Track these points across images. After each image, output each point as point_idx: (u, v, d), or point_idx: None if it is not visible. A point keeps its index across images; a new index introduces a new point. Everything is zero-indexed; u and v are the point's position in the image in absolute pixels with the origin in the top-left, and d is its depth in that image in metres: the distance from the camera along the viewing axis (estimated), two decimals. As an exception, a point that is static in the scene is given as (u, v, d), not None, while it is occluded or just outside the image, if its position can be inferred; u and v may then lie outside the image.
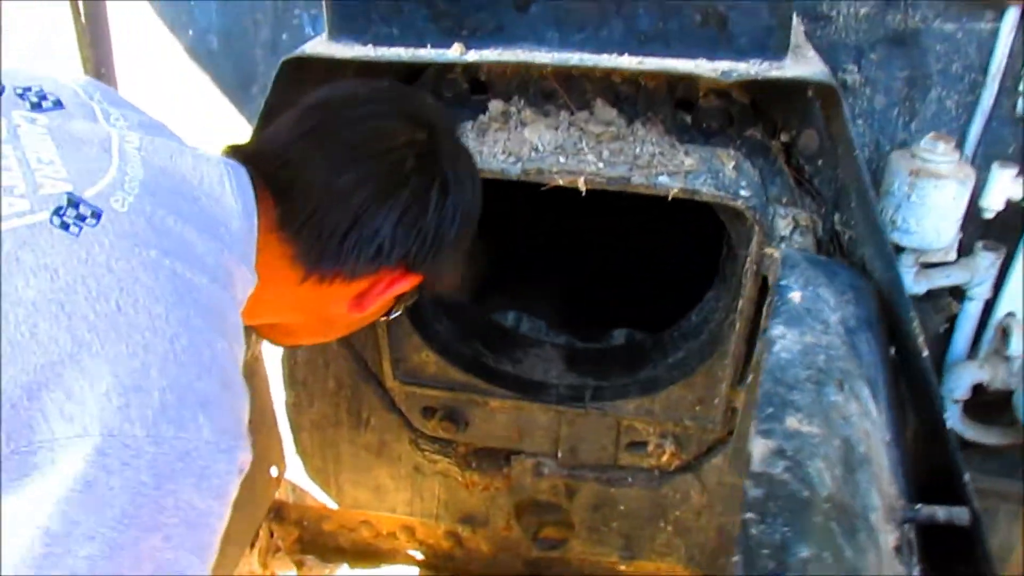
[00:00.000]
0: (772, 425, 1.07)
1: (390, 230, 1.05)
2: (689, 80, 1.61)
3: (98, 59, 1.99)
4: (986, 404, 1.69)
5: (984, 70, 1.52)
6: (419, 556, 2.33)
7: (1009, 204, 1.43)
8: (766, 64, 1.32)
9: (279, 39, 1.85)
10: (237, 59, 1.85)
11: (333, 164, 1.04)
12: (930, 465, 1.36)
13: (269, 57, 1.86)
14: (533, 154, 1.52)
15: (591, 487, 1.96)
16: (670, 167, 1.55)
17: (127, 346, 0.80)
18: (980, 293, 1.56)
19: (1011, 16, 1.46)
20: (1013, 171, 1.40)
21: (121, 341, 0.79)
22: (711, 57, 1.33)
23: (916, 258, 1.46)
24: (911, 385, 1.37)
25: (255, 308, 1.03)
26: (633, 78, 1.62)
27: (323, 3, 1.40)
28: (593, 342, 2.17)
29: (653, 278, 2.39)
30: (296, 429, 2.08)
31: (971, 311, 1.59)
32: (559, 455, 1.94)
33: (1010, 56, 1.49)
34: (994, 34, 1.50)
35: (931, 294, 1.55)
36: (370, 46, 1.41)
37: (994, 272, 1.55)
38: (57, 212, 0.83)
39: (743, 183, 1.53)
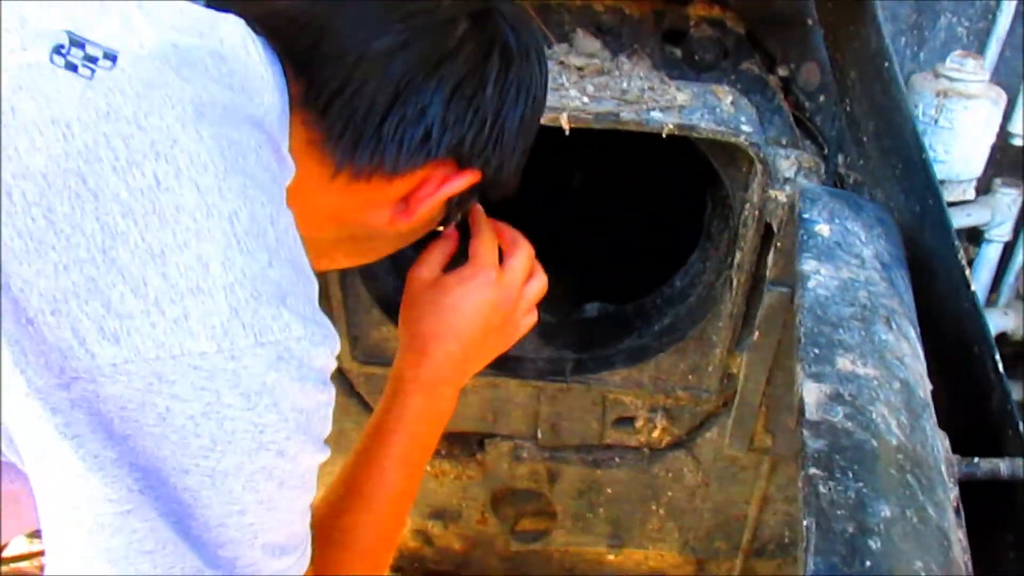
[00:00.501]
0: (823, 367, 0.91)
1: (440, 109, 0.82)
2: (678, 9, 1.47)
3: None
4: (1005, 357, 1.57)
5: (998, -8, 1.40)
6: (382, 558, 2.12)
7: (1040, 130, 1.31)
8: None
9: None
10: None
11: (366, 23, 0.80)
12: (959, 421, 1.23)
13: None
14: (509, 89, 1.35)
15: (575, 470, 1.79)
16: (662, 103, 1.39)
17: (174, 234, 0.60)
18: (1000, 235, 1.44)
19: (1027, -69, 1.35)
20: (1046, 91, 1.28)
21: (166, 228, 0.60)
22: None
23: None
24: (939, 331, 1.23)
25: None
26: (616, 7, 1.47)
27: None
28: (564, 316, 2.01)
29: (630, 247, 2.24)
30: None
31: (990, 255, 1.46)
32: (539, 436, 1.76)
33: (1026, -24, 1.37)
34: (1008, -48, 1.38)
35: (949, 236, 1.42)
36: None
37: (1015, 211, 1.43)
38: (57, 50, 0.62)
39: (743, 119, 1.38)
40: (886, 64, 1.13)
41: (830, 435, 0.83)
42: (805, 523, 0.75)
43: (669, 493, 1.79)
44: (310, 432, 0.68)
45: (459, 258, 1.07)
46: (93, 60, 0.62)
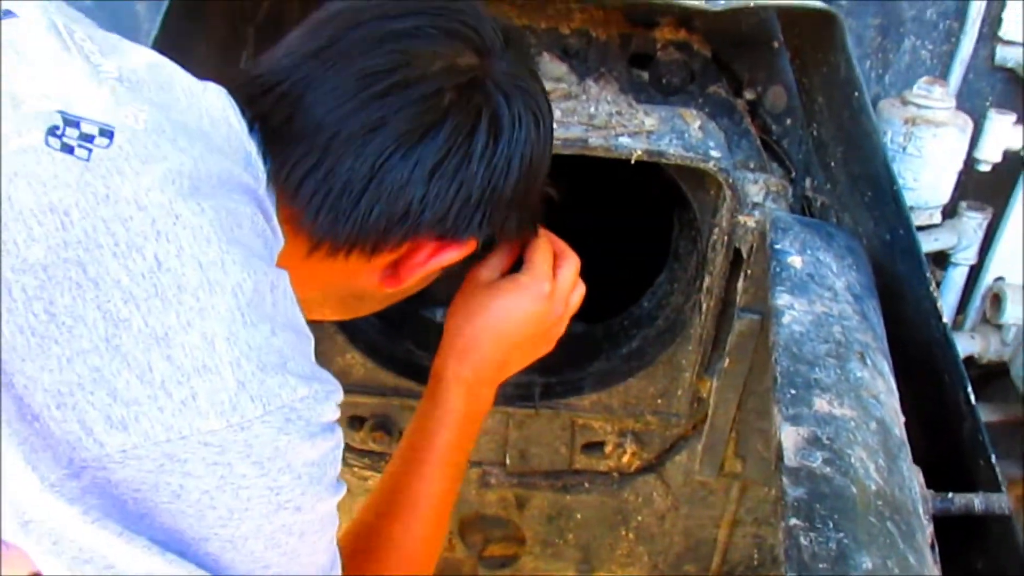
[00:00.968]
0: (800, 409, 0.90)
1: (420, 187, 0.79)
2: (645, 33, 1.45)
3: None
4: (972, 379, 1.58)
5: (962, 16, 1.40)
6: (347, 585, 2.07)
7: (1006, 155, 1.31)
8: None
9: (164, -5, 1.58)
10: (113, 13, 1.57)
11: (342, 98, 0.77)
12: (930, 451, 1.22)
13: (152, 13, 1.59)
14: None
15: (544, 496, 1.76)
16: (630, 127, 1.37)
17: (178, 315, 0.60)
18: (966, 258, 1.44)
19: (988, -44, 1.35)
20: (1011, 118, 1.28)
21: (169, 309, 0.59)
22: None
23: (908, 219, 1.32)
24: (909, 359, 1.22)
25: None
26: (583, 30, 1.45)
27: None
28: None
29: (599, 266, 2.22)
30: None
31: (956, 278, 1.47)
32: (507, 462, 1.73)
33: (989, -1, 1.37)
34: (970, -25, 1.38)
35: (916, 262, 1.42)
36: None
37: (980, 235, 1.43)
38: (52, 132, 0.60)
39: (711, 144, 1.36)
40: (856, 93, 1.13)
41: (809, 482, 0.81)
42: (786, 579, 0.73)
43: (639, 517, 1.77)
44: (323, 481, 0.69)
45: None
46: (89, 139, 0.61)
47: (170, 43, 1.13)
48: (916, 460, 1.03)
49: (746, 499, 1.72)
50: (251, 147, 0.74)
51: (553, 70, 1.41)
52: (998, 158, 1.31)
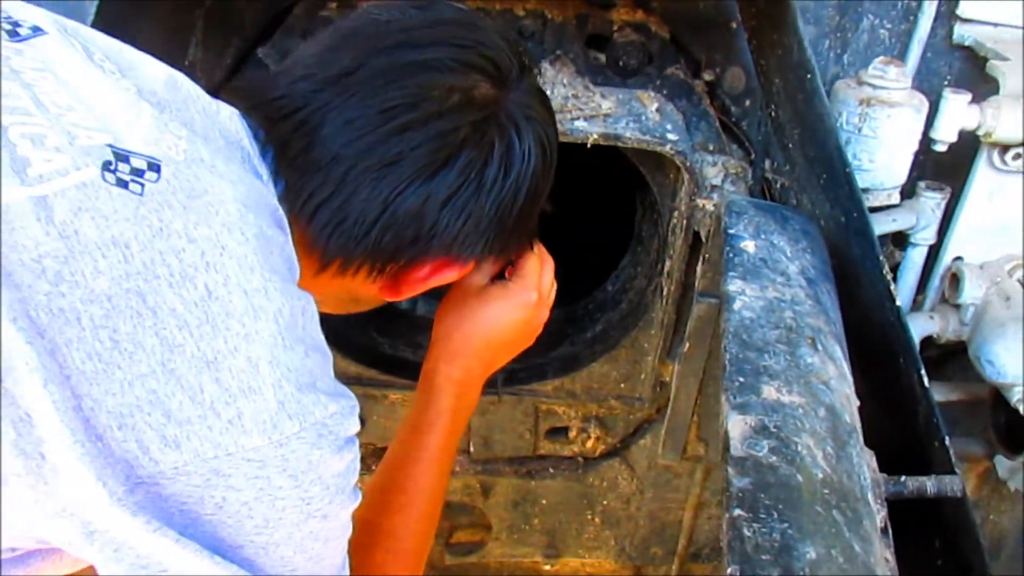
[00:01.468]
0: (748, 397, 0.89)
1: (432, 218, 0.82)
2: (602, 14, 1.43)
3: None
4: (930, 361, 1.58)
5: (919, -6, 1.39)
6: None
7: (962, 135, 1.30)
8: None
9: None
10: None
11: (363, 131, 0.79)
12: (888, 432, 1.22)
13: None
14: (428, 99, 1.29)
15: (509, 482, 1.76)
16: (586, 111, 1.35)
17: (226, 340, 0.64)
18: (925, 238, 1.44)
19: (946, -66, 1.34)
20: (966, 97, 1.27)
21: (218, 335, 0.64)
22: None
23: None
24: (865, 341, 1.22)
25: None
26: (538, 11, 1.42)
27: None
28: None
29: (565, 250, 2.20)
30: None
31: (915, 258, 1.46)
32: (471, 449, 1.72)
33: (946, -22, 1.36)
34: (928, -46, 1.37)
35: (873, 243, 1.41)
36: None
37: (939, 215, 1.42)
38: (107, 167, 0.64)
39: (668, 127, 1.35)
40: (808, 76, 1.11)
41: (755, 472, 0.81)
42: (730, 570, 0.72)
43: (604, 501, 1.77)
44: (347, 490, 0.74)
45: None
46: (140, 173, 0.65)
47: (107, 26, 1.10)
48: (874, 443, 1.03)
49: (710, 482, 1.72)
50: (263, 170, 0.78)
51: (529, 50, 1.39)
52: (954, 138, 1.30)
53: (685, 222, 1.40)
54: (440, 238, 0.84)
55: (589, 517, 1.79)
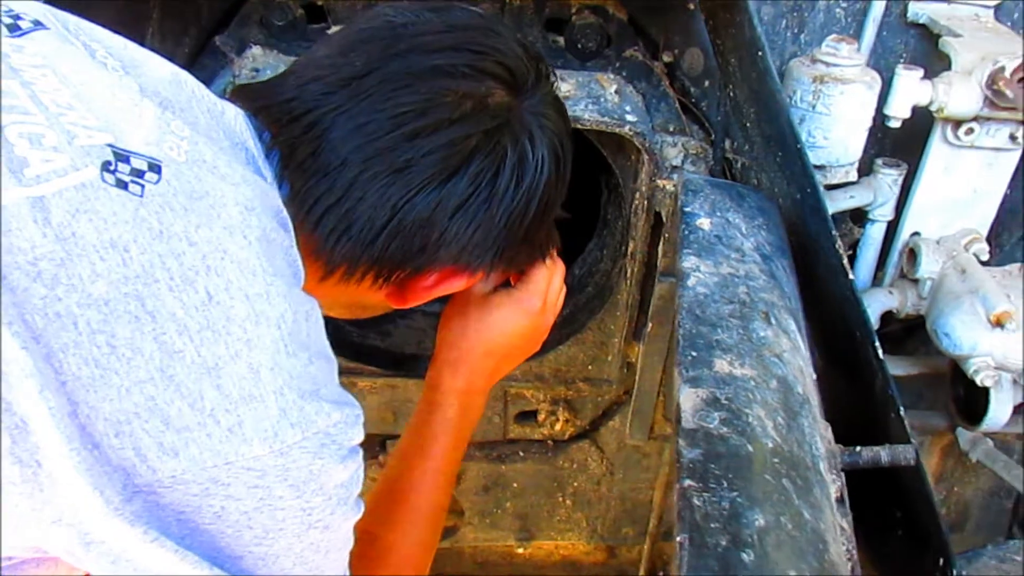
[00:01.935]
0: (700, 371, 0.90)
1: (440, 225, 0.81)
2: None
3: None
4: (892, 336, 1.61)
5: (873, -27, 1.40)
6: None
7: (915, 111, 1.32)
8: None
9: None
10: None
11: (373, 137, 0.77)
12: (847, 405, 1.24)
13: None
14: (386, 85, 1.29)
15: (479, 467, 1.76)
16: (545, 93, 1.35)
17: (227, 346, 0.63)
18: (883, 214, 1.45)
19: (898, -88, 1.35)
20: (918, 73, 1.28)
21: (219, 341, 0.63)
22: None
23: (819, 178, 1.33)
24: (824, 315, 1.24)
25: None
26: (496, -5, 1.42)
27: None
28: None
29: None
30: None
31: (874, 234, 1.48)
32: (441, 435, 1.72)
33: (899, -43, 1.38)
34: (881, -67, 1.38)
35: (832, 219, 1.43)
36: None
37: (896, 191, 1.44)
38: (106, 168, 0.62)
39: (627, 108, 1.36)
40: (759, 53, 1.12)
41: (706, 443, 0.82)
42: (679, 539, 0.73)
43: (575, 483, 1.78)
44: (349, 501, 0.72)
45: None
46: (140, 174, 0.63)
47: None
48: (834, 416, 1.04)
49: (679, 461, 1.73)
50: (268, 172, 0.76)
51: (545, 57, 1.39)
52: (907, 114, 1.32)
53: (646, 203, 1.41)
54: (449, 247, 0.83)
55: (560, 499, 1.81)
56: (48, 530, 0.59)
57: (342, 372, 1.65)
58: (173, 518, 0.62)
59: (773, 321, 1.00)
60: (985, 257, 1.43)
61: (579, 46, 1.44)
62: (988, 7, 1.43)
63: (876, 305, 1.47)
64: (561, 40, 1.45)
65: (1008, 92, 1.22)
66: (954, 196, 1.42)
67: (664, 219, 1.40)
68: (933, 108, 1.31)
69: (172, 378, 0.60)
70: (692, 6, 1.43)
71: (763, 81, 1.14)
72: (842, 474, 1.01)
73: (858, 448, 1.03)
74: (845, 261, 1.08)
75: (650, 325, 1.45)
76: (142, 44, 1.42)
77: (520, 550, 1.92)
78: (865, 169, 1.46)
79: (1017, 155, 1.39)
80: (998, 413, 1.38)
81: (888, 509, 1.27)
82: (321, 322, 0.73)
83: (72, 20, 0.75)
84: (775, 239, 1.16)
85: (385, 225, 0.79)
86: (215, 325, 0.62)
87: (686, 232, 1.10)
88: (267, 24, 1.38)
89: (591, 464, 1.76)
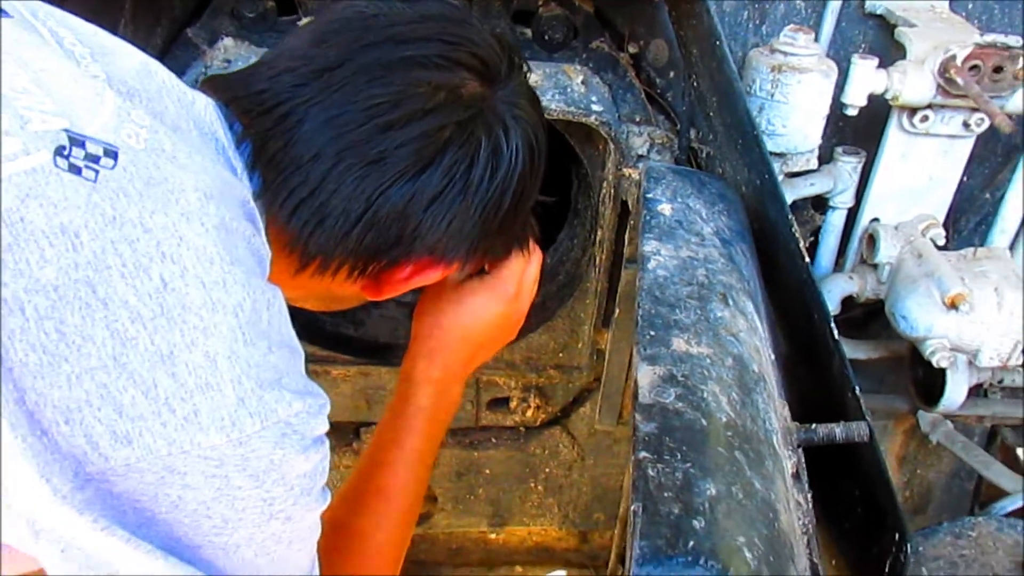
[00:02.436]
0: (657, 349, 0.92)
1: (415, 217, 0.81)
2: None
3: None
4: (853, 321, 1.64)
5: (832, -35, 1.43)
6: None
7: (872, 99, 1.35)
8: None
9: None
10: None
11: (346, 129, 0.77)
12: (807, 384, 1.28)
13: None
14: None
15: (452, 453, 1.79)
16: (512, 84, 1.38)
17: (182, 334, 0.62)
18: (843, 201, 1.49)
19: (856, -95, 1.39)
20: (873, 62, 1.32)
21: (174, 328, 0.62)
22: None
23: (780, 165, 1.36)
24: (784, 299, 1.27)
25: None
26: (464, -13, 1.44)
27: None
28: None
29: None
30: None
31: (835, 221, 1.52)
32: (414, 422, 1.75)
33: (857, -50, 1.41)
34: (840, -75, 1.41)
35: (794, 206, 1.47)
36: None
37: (856, 178, 1.48)
38: (59, 152, 0.61)
39: (594, 98, 1.38)
40: (717, 42, 1.15)
41: (661, 417, 0.84)
42: (632, 507, 0.76)
43: (547, 469, 1.81)
44: (313, 492, 0.72)
45: None
46: (95, 160, 0.62)
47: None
48: (795, 396, 1.07)
49: (649, 446, 1.76)
50: (238, 163, 0.76)
51: (517, 48, 1.41)
52: (863, 102, 1.35)
53: (613, 191, 1.44)
54: (424, 239, 0.83)
55: (532, 485, 1.84)
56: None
57: (316, 361, 1.67)
58: (129, 506, 0.61)
59: (731, 302, 1.03)
60: (941, 242, 1.47)
61: (546, 37, 1.46)
62: (943, -2, 1.47)
63: (837, 290, 1.51)
64: (528, 32, 1.48)
65: (959, 80, 1.26)
66: (911, 183, 1.46)
67: (631, 207, 1.43)
68: (888, 96, 1.35)
69: (125, 366, 0.60)
70: (657, -1, 1.47)
71: (722, 69, 1.17)
72: (799, 451, 1.04)
73: (813, 425, 1.06)
74: (802, 244, 1.11)
75: (617, 311, 1.48)
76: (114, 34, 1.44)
77: (493, 536, 1.95)
78: (826, 157, 1.50)
79: (971, 143, 1.43)
80: (954, 394, 1.42)
81: (847, 488, 1.30)
82: (285, 312, 0.72)
83: (42, 8, 0.75)
84: (735, 224, 1.19)
85: (360, 218, 0.79)
86: (170, 312, 0.62)
87: (648, 217, 1.13)
88: (238, 16, 1.39)
89: (562, 450, 1.79)
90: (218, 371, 0.63)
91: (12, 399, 0.57)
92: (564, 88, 1.38)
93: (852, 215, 1.53)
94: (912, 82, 1.31)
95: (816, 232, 1.55)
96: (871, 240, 1.49)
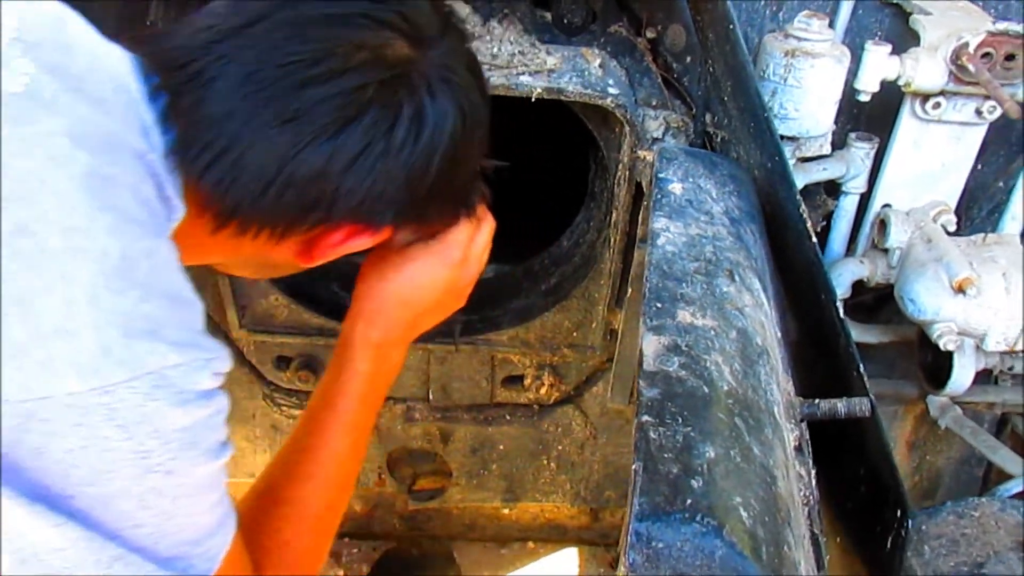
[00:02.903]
0: (663, 320, 0.95)
1: (335, 179, 0.79)
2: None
3: None
4: (864, 306, 1.66)
5: (850, -49, 1.45)
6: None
7: (883, 86, 1.37)
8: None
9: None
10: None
11: (259, 86, 0.75)
12: (815, 365, 1.30)
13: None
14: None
15: (467, 429, 1.83)
16: (532, 67, 1.41)
17: (39, 277, 0.61)
18: (856, 187, 1.51)
19: None
20: (887, 49, 1.34)
21: (31, 272, 0.61)
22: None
23: (794, 150, 1.39)
24: (793, 281, 1.30)
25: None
26: (485, -30, 1.48)
27: None
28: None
29: (518, 209, 2.26)
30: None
31: (847, 206, 1.54)
32: (430, 397, 1.79)
33: (876, -65, 1.43)
34: (859, -89, 1.43)
35: (807, 191, 1.49)
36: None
37: (868, 164, 1.50)
38: None
39: (610, 81, 1.41)
40: (731, 26, 1.18)
41: (664, 384, 0.87)
42: (634, 467, 0.79)
43: (559, 447, 1.84)
44: (198, 446, 0.70)
45: None
46: None
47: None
48: (803, 374, 1.10)
49: (660, 425, 1.79)
50: (148, 117, 0.74)
51: (456, 11, 1.44)
52: (876, 87, 1.37)
53: (628, 173, 1.47)
54: (345, 201, 0.81)
55: (545, 462, 1.87)
56: None
57: (337, 335, 1.71)
58: None
59: (737, 279, 1.06)
60: (952, 228, 1.48)
61: (565, 21, 1.49)
62: (960, -14, 1.48)
63: (848, 274, 1.53)
64: (548, 15, 1.50)
65: (971, 67, 1.27)
66: (923, 169, 1.48)
67: (644, 189, 1.46)
68: (901, 82, 1.37)
69: None
70: (675, -18, 1.49)
71: (735, 53, 1.20)
72: (802, 424, 1.07)
73: (816, 400, 1.09)
74: (809, 225, 1.13)
75: (630, 290, 1.51)
76: (146, 15, 1.47)
77: (506, 511, 1.99)
78: (839, 143, 1.51)
79: (983, 130, 1.45)
80: (961, 377, 1.44)
81: (851, 466, 1.33)
82: (173, 263, 0.71)
83: None
84: (745, 205, 1.22)
85: (275, 176, 0.77)
86: (27, 256, 0.60)
87: (659, 196, 1.15)
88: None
89: (575, 428, 1.82)
90: (76, 317, 0.61)
91: None
92: (582, 71, 1.41)
93: (864, 200, 1.55)
94: (924, 69, 1.33)
95: (828, 217, 1.57)
96: (882, 225, 1.51)
